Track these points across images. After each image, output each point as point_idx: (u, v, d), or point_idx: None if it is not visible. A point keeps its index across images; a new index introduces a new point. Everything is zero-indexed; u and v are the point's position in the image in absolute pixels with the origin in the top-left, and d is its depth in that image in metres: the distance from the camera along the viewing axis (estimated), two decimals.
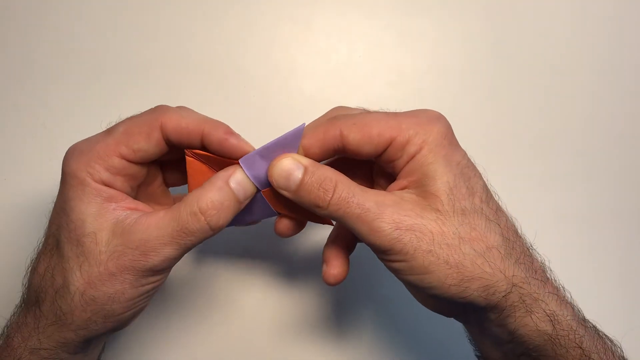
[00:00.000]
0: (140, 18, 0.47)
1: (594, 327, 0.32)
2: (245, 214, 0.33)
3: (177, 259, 0.30)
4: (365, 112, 0.33)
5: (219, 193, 0.30)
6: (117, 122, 0.32)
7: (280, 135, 0.31)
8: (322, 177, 0.30)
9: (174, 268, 0.32)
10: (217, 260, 0.44)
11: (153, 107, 0.33)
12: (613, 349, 0.32)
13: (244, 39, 0.47)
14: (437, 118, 0.32)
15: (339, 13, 0.47)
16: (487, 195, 0.31)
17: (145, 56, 0.46)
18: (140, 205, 0.31)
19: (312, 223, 0.35)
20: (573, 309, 0.31)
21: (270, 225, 0.37)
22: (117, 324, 0.31)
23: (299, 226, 0.35)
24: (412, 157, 0.31)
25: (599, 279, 0.45)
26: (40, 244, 0.32)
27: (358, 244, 0.36)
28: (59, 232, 0.30)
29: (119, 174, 0.31)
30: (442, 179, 0.30)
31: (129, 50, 0.46)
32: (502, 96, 0.47)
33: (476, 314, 0.32)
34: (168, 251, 0.29)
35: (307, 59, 0.47)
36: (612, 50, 0.48)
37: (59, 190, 0.31)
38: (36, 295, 0.30)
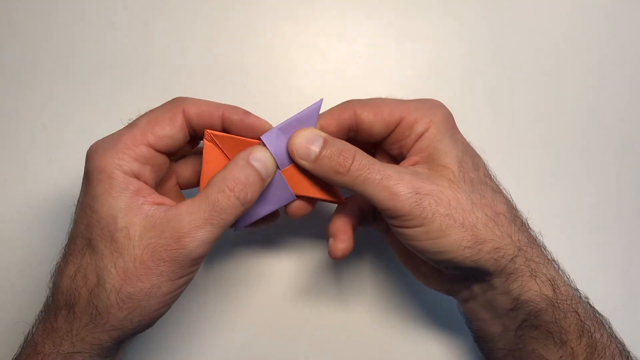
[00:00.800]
0: (140, 18, 0.47)
1: (587, 297, 0.34)
2: (261, 203, 0.34)
3: (212, 242, 0.30)
4: (376, 97, 0.35)
5: (243, 170, 0.31)
6: (138, 116, 0.33)
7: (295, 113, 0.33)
8: (341, 146, 0.32)
9: None
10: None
11: (176, 98, 0.34)
12: (603, 321, 0.34)
13: (244, 39, 0.47)
14: (440, 105, 0.35)
15: (339, 13, 0.47)
16: (489, 172, 0.35)
17: (145, 56, 0.46)
18: (166, 200, 0.31)
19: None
20: (568, 277, 0.34)
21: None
22: (149, 322, 0.31)
23: (309, 206, 0.36)
24: (421, 135, 0.33)
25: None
26: (65, 247, 0.31)
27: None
28: (90, 231, 0.30)
29: (147, 163, 0.31)
30: (451, 154, 0.33)
31: (129, 51, 0.46)
32: (503, 96, 0.47)
33: (483, 282, 0.33)
34: (202, 233, 0.29)
35: (307, 58, 0.47)
36: (616, 48, 0.48)
37: (84, 189, 0.31)
38: (66, 298, 0.30)
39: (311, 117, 0.33)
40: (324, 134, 0.33)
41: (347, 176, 0.31)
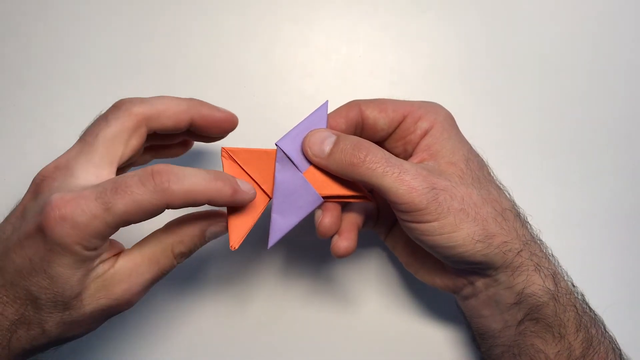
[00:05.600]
0: (140, 18, 0.47)
1: (582, 294, 0.35)
2: (289, 212, 0.33)
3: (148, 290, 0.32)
4: (379, 98, 0.36)
5: (193, 240, 0.32)
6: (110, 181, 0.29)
7: (305, 116, 0.34)
8: (355, 140, 0.32)
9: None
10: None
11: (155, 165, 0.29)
12: (597, 318, 0.35)
13: (244, 39, 0.47)
14: (441, 106, 0.36)
15: (339, 13, 0.47)
16: (491, 171, 0.36)
17: (145, 56, 0.46)
18: (117, 246, 0.31)
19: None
20: (566, 275, 0.35)
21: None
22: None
23: (338, 221, 0.34)
24: (426, 132, 0.34)
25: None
26: (3, 286, 0.29)
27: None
28: (39, 292, 0.28)
29: (113, 231, 0.29)
30: (459, 152, 0.34)
31: (129, 50, 0.46)
32: (503, 96, 0.47)
33: (485, 280, 0.34)
34: (145, 290, 0.31)
35: (307, 58, 0.47)
36: (615, 49, 0.48)
37: (35, 246, 0.28)
38: (3, 332, 0.29)
39: (320, 118, 0.33)
40: (336, 132, 0.33)
41: (363, 168, 0.31)
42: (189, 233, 0.31)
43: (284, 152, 0.33)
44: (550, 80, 0.47)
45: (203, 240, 0.32)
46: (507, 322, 0.34)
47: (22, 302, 0.29)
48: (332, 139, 0.32)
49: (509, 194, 0.35)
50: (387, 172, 0.31)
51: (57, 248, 0.27)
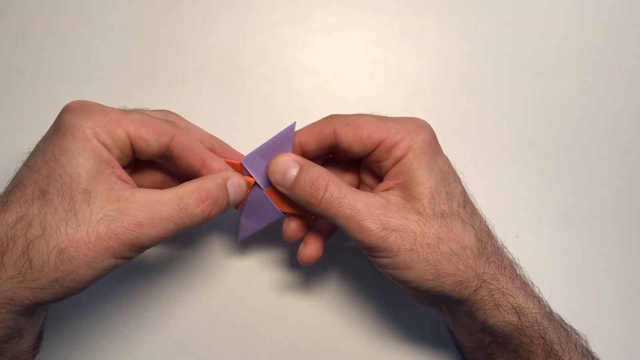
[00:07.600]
0: (140, 17, 0.47)
1: (560, 319, 0.35)
2: (254, 220, 0.36)
3: (163, 239, 0.30)
4: (358, 114, 0.35)
5: (217, 189, 0.32)
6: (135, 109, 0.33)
7: (274, 134, 0.34)
8: (315, 175, 0.33)
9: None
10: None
11: (169, 112, 0.35)
12: (577, 340, 0.35)
13: (243, 39, 0.47)
14: (423, 127, 0.34)
15: (339, 13, 0.47)
16: (464, 199, 0.34)
17: (145, 56, 0.46)
18: (131, 180, 0.31)
19: None
20: (540, 302, 0.34)
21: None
22: (77, 292, 0.29)
23: (303, 229, 0.37)
24: (398, 160, 0.33)
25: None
26: (6, 193, 0.29)
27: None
28: (48, 183, 0.28)
29: (119, 146, 0.30)
30: (424, 185, 0.33)
31: (129, 50, 0.46)
32: (502, 96, 0.47)
33: (450, 306, 0.35)
34: (162, 227, 0.29)
35: (307, 59, 0.47)
36: (612, 52, 0.48)
37: (52, 140, 0.29)
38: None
39: (287, 139, 0.34)
40: (300, 160, 0.33)
41: (319, 207, 0.32)
42: (211, 179, 0.32)
43: (248, 171, 0.35)
44: (550, 81, 0.47)
45: (225, 192, 0.33)
46: (477, 342, 0.35)
47: (30, 198, 0.28)
48: (295, 170, 0.33)
49: (481, 224, 0.34)
50: (339, 212, 0.32)
51: (70, 129, 0.29)
